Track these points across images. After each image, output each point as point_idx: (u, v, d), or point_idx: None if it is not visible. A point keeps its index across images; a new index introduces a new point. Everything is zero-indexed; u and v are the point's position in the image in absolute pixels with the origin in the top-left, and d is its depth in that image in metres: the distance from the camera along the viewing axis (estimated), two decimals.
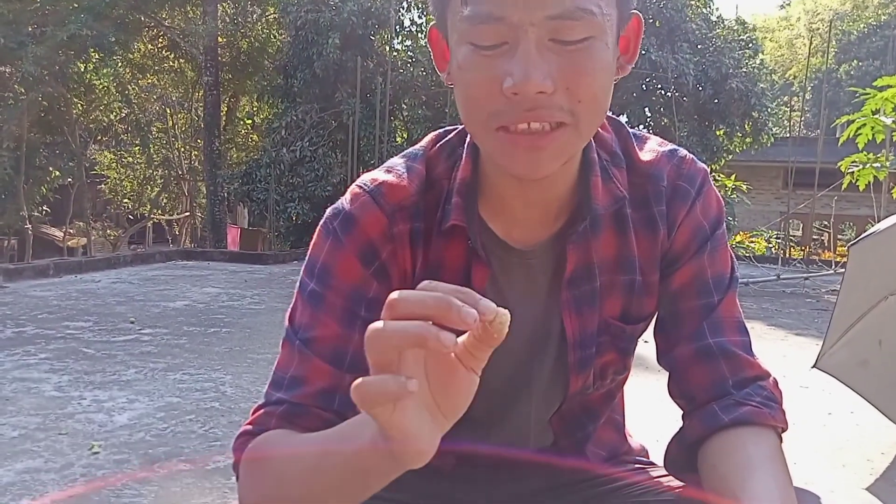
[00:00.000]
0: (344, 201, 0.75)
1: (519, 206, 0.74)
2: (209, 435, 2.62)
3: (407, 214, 0.74)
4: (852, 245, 2.47)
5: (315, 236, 0.76)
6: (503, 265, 0.75)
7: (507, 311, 0.49)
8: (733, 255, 0.82)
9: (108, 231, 15.42)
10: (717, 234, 0.79)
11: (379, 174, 0.76)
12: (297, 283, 0.76)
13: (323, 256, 0.74)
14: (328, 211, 0.76)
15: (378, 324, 0.47)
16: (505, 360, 0.78)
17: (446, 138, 0.79)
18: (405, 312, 0.46)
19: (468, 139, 0.76)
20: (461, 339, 0.49)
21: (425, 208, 0.74)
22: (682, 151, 0.80)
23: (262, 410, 0.73)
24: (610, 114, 0.76)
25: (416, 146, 0.80)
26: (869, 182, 6.57)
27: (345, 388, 0.71)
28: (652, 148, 0.79)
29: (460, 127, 0.79)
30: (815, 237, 17.12)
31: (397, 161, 0.78)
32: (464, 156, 0.75)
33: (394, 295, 0.47)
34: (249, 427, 0.73)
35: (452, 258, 0.74)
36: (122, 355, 3.81)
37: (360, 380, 0.47)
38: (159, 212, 15.61)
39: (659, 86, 12.26)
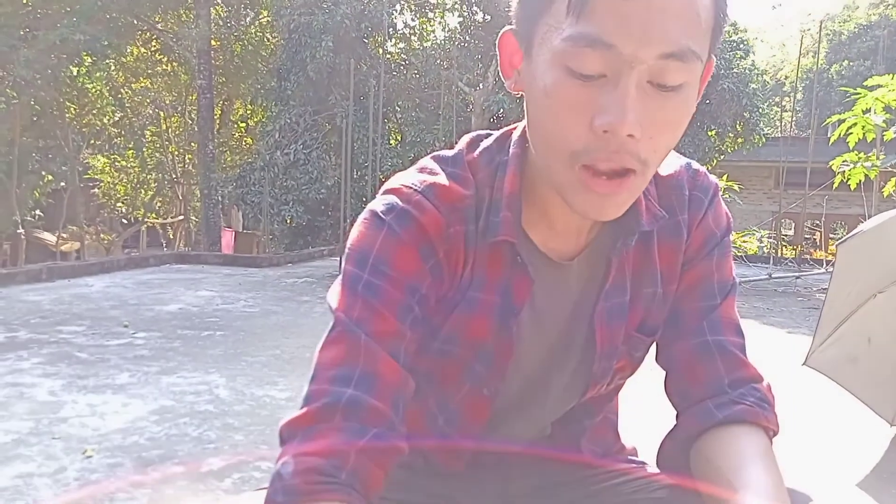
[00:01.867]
0: (392, 199, 0.71)
1: (560, 218, 0.74)
2: (203, 438, 2.62)
3: (461, 217, 0.72)
4: (840, 243, 2.49)
5: (360, 228, 0.71)
6: (540, 276, 0.75)
7: None
8: (733, 264, 0.84)
9: (102, 235, 15.38)
10: (725, 241, 0.81)
11: (424, 176, 0.73)
12: (343, 277, 0.71)
13: (378, 247, 0.69)
14: (377, 205, 0.71)
15: None
16: (529, 365, 0.79)
17: (484, 144, 0.77)
18: None
19: (511, 149, 0.75)
20: None
21: (475, 213, 0.73)
22: (696, 164, 0.82)
23: (335, 437, 0.63)
24: None
25: (452, 151, 0.77)
26: (860, 181, 6.61)
27: (407, 387, 0.68)
28: (670, 161, 0.81)
29: (498, 134, 0.78)
30: (806, 236, 17.20)
31: (434, 165, 0.75)
32: (509, 167, 0.74)
33: None
34: (316, 461, 0.62)
35: (495, 269, 0.74)
36: (115, 359, 3.81)
37: None
38: (153, 215, 15.58)
39: None
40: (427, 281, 0.70)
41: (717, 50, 0.69)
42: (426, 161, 0.77)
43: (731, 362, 0.77)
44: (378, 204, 0.72)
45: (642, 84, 0.59)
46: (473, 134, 0.80)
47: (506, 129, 0.78)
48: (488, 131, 0.80)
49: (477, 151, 0.77)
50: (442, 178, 0.73)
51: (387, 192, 0.73)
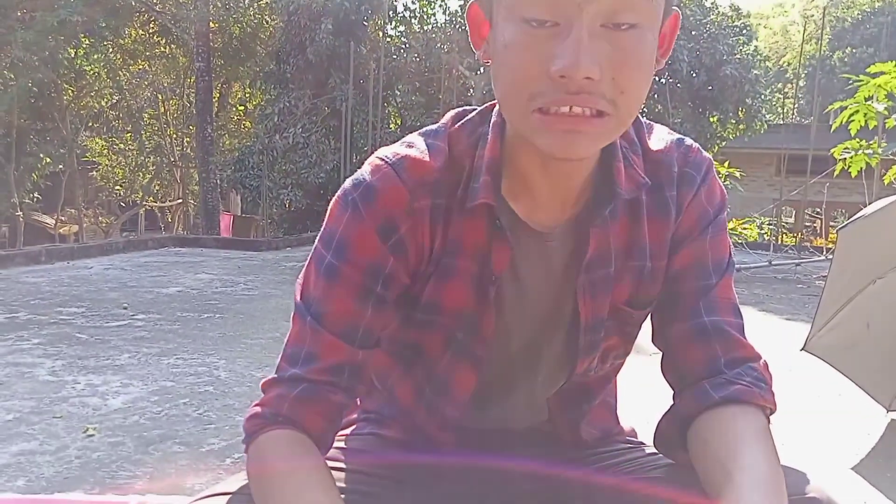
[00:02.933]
0: (364, 173, 0.74)
1: (543, 187, 0.74)
2: (203, 418, 2.64)
3: (428, 190, 0.73)
4: (841, 229, 2.49)
5: (332, 206, 0.75)
6: (522, 246, 0.75)
7: None
8: (731, 242, 0.83)
9: (101, 218, 15.37)
10: (720, 219, 0.80)
11: (401, 148, 0.75)
12: (311, 253, 0.76)
13: (342, 229, 0.73)
14: (348, 182, 0.75)
15: None
16: (517, 338, 0.80)
17: (468, 117, 0.78)
18: None
19: (492, 119, 0.76)
20: None
21: (447, 185, 0.74)
22: (689, 140, 0.81)
23: (275, 391, 0.74)
24: None
25: (437, 124, 0.79)
26: (861, 169, 6.59)
27: (356, 363, 0.74)
28: (661, 136, 0.81)
29: (481, 107, 0.79)
30: (807, 224, 17.21)
31: (417, 138, 0.77)
32: (490, 135, 0.75)
33: None
34: (260, 409, 0.73)
35: (473, 237, 0.74)
36: (115, 340, 3.82)
37: None
38: (151, 199, 15.55)
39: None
40: (390, 260, 0.73)
41: (682, 6, 0.69)
42: (413, 135, 0.78)
43: (727, 343, 0.77)
44: (351, 180, 0.75)
45: (595, 27, 0.61)
46: (460, 109, 0.81)
47: (489, 103, 0.78)
48: (475, 107, 0.80)
49: (460, 123, 0.78)
50: (416, 151, 0.74)
51: (366, 164, 0.76)
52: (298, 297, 0.76)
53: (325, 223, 0.75)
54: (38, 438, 2.36)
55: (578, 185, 0.74)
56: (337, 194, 0.75)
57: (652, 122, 0.83)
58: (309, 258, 0.76)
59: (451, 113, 0.80)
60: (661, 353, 0.81)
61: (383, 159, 0.74)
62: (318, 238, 0.76)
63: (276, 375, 0.75)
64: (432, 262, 0.75)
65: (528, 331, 0.80)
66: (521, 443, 0.87)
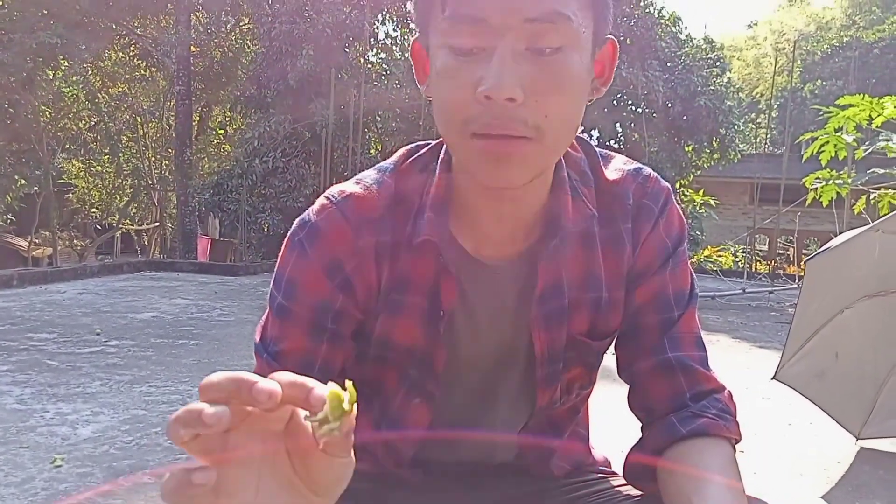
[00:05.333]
0: (311, 212, 0.76)
1: (490, 221, 0.74)
2: (175, 448, 2.58)
3: (373, 228, 0.74)
4: (809, 260, 2.55)
5: (283, 248, 0.77)
6: (473, 281, 0.76)
7: (351, 394, 0.45)
8: (692, 271, 0.84)
9: (75, 241, 15.14)
10: (679, 251, 0.81)
11: (348, 186, 0.77)
12: (268, 296, 0.78)
13: (290, 270, 0.75)
14: (295, 222, 0.77)
15: (174, 414, 0.43)
16: (473, 373, 0.80)
17: (418, 153, 0.80)
18: (210, 396, 0.43)
19: (441, 155, 0.77)
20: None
21: (394, 222, 0.75)
22: (647, 170, 0.81)
23: None
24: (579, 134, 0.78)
25: (388, 160, 0.80)
26: (832, 198, 6.73)
27: None
28: (618, 167, 0.81)
29: (433, 143, 0.80)
30: (780, 251, 17.48)
31: (368, 174, 0.78)
32: (437, 171, 0.76)
33: (206, 379, 0.44)
34: None
35: (421, 273, 0.75)
36: (87, 367, 3.75)
37: (163, 479, 0.44)
38: (128, 222, 15.38)
39: (630, 102, 12.48)
40: (339, 298, 0.74)
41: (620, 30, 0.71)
42: (367, 170, 0.80)
43: (692, 377, 0.78)
44: (298, 220, 0.77)
45: (519, 50, 0.62)
46: (413, 145, 0.82)
47: (440, 140, 0.79)
48: (428, 141, 0.81)
49: (410, 160, 0.79)
50: (361, 189, 0.76)
51: (316, 203, 0.77)
52: (257, 339, 0.78)
53: (277, 264, 0.77)
54: (3, 469, 2.30)
55: (527, 218, 0.75)
56: (288, 233, 0.77)
57: (610, 152, 0.83)
58: (267, 300, 0.78)
59: (404, 149, 0.82)
60: (627, 387, 0.83)
61: (329, 198, 0.76)
62: (272, 280, 0.77)
63: None
64: (381, 298, 0.76)
65: (483, 365, 0.80)
66: (490, 478, 0.87)
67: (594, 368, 0.84)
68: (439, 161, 0.77)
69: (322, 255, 0.73)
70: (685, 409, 0.77)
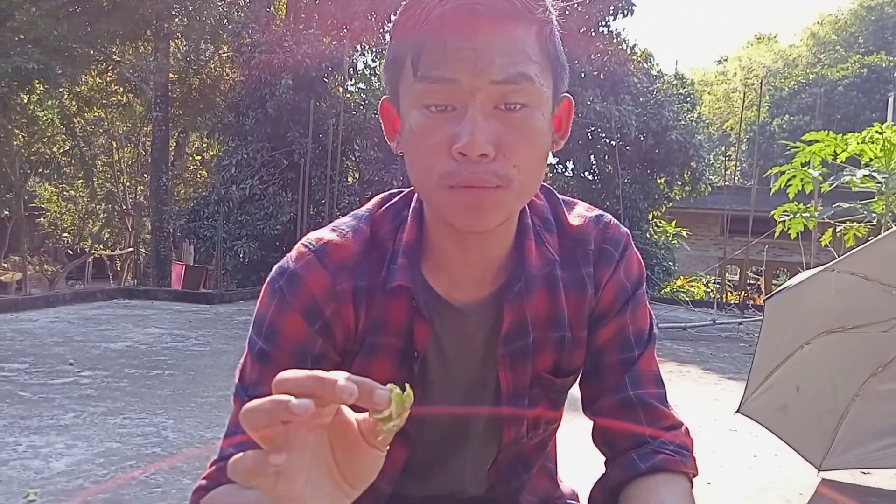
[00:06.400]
0: (290, 259, 0.79)
1: (460, 266, 0.80)
2: (150, 481, 2.60)
3: (350, 273, 0.78)
4: (768, 299, 2.66)
5: (262, 294, 0.80)
6: (444, 322, 0.81)
7: (408, 394, 0.51)
8: (651, 312, 0.91)
9: (46, 266, 14.91)
10: (639, 293, 0.87)
11: (325, 233, 0.80)
12: (247, 340, 0.82)
13: (270, 315, 0.78)
14: (274, 269, 0.80)
15: (249, 403, 0.48)
16: (443, 412, 0.85)
17: (392, 201, 0.85)
18: (288, 389, 0.48)
19: (413, 203, 0.83)
20: (363, 415, 0.54)
21: (369, 267, 0.80)
22: (607, 217, 0.88)
23: (215, 466, 0.78)
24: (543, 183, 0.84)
25: (363, 208, 0.86)
26: (799, 231, 6.92)
27: None
28: (580, 213, 0.87)
29: (406, 191, 0.86)
30: (750, 282, 17.81)
31: (345, 220, 0.82)
32: (409, 219, 0.80)
33: (280, 375, 0.49)
34: (204, 482, 0.78)
35: (396, 316, 0.80)
36: (60, 399, 3.72)
37: (232, 458, 0.49)
38: (101, 247, 15.20)
39: (603, 135, 12.74)
40: (318, 342, 0.78)
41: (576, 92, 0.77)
42: (344, 217, 0.85)
43: (651, 414, 0.85)
44: (277, 267, 0.81)
45: (488, 109, 0.68)
46: (387, 192, 0.88)
47: (412, 188, 0.83)
48: (401, 189, 0.88)
49: (384, 208, 0.85)
50: (337, 236, 0.80)
51: (293, 250, 0.81)
52: (237, 380, 0.82)
53: (256, 308, 0.81)
54: None
55: (494, 263, 0.81)
56: (267, 280, 0.81)
57: (572, 200, 0.90)
58: (246, 344, 0.82)
59: (378, 197, 0.87)
60: (591, 424, 0.89)
61: (307, 246, 0.79)
62: (251, 324, 0.82)
63: (217, 456, 0.79)
64: (357, 340, 0.81)
65: (454, 403, 0.85)
66: None
67: (559, 404, 0.90)
68: (411, 209, 0.81)
69: (302, 300, 0.77)
70: (645, 445, 0.83)
